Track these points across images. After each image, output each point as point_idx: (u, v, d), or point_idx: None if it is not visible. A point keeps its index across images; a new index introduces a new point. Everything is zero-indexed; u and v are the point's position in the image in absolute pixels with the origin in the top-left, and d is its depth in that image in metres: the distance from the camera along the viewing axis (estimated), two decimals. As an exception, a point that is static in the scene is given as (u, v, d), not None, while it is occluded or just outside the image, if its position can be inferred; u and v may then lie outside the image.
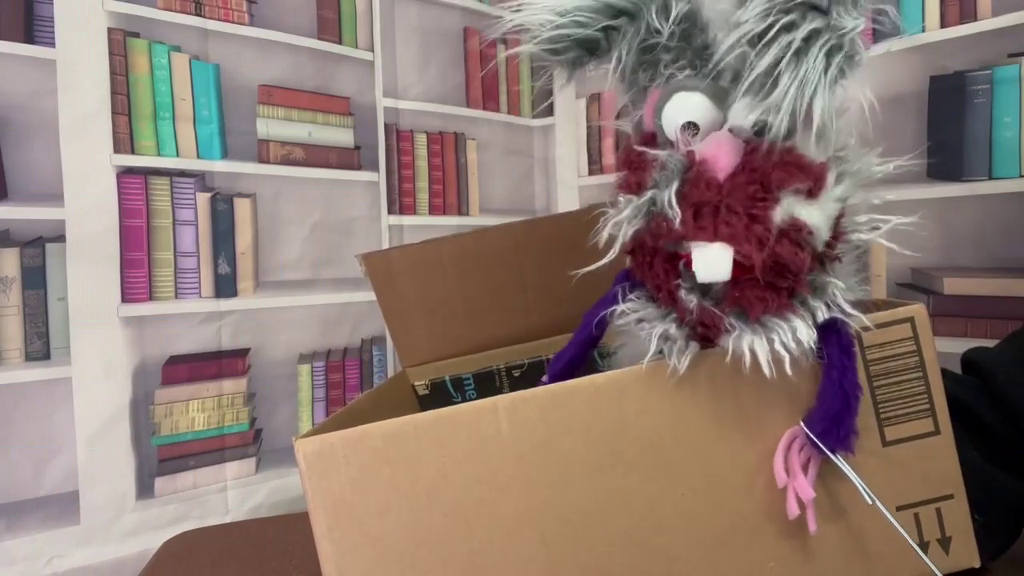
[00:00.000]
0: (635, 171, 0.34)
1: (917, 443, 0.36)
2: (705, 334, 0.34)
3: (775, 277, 0.32)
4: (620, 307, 0.37)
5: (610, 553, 0.35)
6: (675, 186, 0.32)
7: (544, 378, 0.44)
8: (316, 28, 1.09)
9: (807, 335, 0.33)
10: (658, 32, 0.34)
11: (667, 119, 0.34)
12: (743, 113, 0.32)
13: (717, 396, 0.35)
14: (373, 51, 1.17)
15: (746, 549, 0.36)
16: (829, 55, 0.30)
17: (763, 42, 0.30)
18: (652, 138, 0.35)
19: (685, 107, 0.33)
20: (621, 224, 0.34)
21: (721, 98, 0.33)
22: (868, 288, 0.37)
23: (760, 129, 0.32)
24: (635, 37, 0.34)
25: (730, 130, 0.33)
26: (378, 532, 0.35)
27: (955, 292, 0.92)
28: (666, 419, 0.35)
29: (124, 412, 0.92)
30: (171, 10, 0.94)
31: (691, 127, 0.33)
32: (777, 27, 0.30)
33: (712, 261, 0.32)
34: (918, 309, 0.37)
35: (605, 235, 0.35)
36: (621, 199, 0.34)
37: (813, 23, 0.30)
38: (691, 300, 0.34)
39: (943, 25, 0.95)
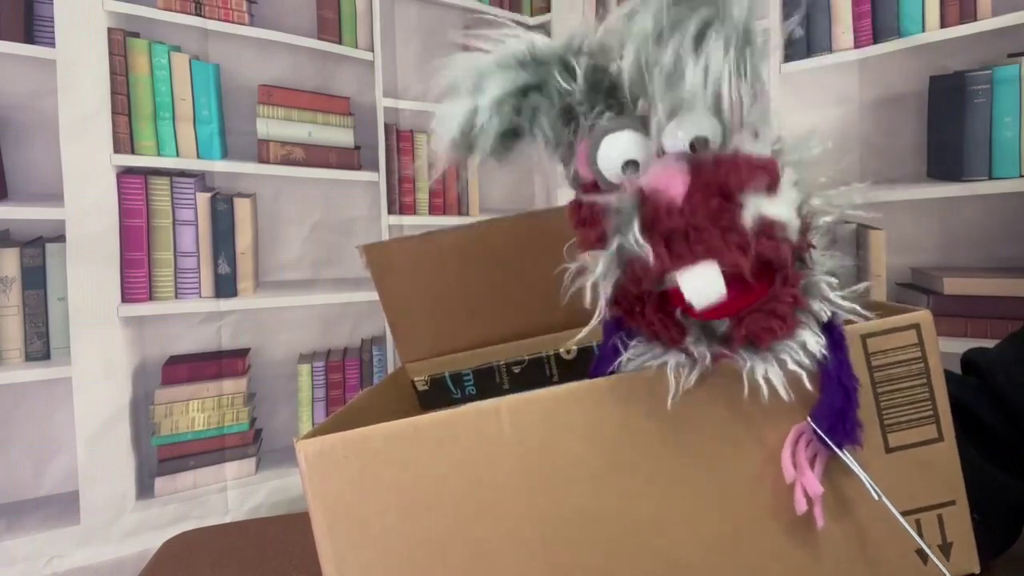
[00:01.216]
0: (591, 226, 0.33)
1: (920, 450, 0.36)
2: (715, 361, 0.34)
3: (760, 279, 0.32)
4: (625, 356, 0.36)
5: (612, 556, 0.35)
6: (636, 225, 0.31)
7: None
8: (316, 28, 1.09)
9: (816, 345, 0.33)
10: (568, 93, 0.33)
11: (603, 164, 0.33)
12: (675, 133, 0.32)
13: (719, 398, 0.35)
14: (373, 51, 1.17)
15: (750, 551, 0.36)
16: (727, 43, 0.30)
17: (660, 44, 0.30)
18: (594, 187, 0.34)
19: (618, 147, 0.33)
20: (598, 283, 0.33)
21: (648, 129, 0.33)
22: (857, 263, 0.37)
23: (696, 146, 0.32)
24: (550, 107, 0.34)
25: (668, 155, 0.32)
26: (379, 533, 0.35)
27: (955, 292, 0.92)
28: (669, 421, 0.35)
29: (124, 412, 0.92)
30: (171, 10, 0.94)
31: (630, 165, 0.33)
32: (669, 26, 0.30)
33: (702, 283, 0.31)
34: (924, 315, 0.36)
35: (588, 302, 0.34)
36: (588, 257, 0.33)
37: (701, 14, 0.30)
38: (704, 353, 0.34)
39: (943, 25, 0.95)
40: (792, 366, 0.33)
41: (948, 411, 0.36)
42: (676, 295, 0.32)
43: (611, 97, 0.34)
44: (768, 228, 0.31)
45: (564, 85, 0.33)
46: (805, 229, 0.34)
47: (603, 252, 0.32)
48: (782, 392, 0.33)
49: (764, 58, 0.32)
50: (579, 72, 0.33)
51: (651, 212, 0.31)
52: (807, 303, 0.34)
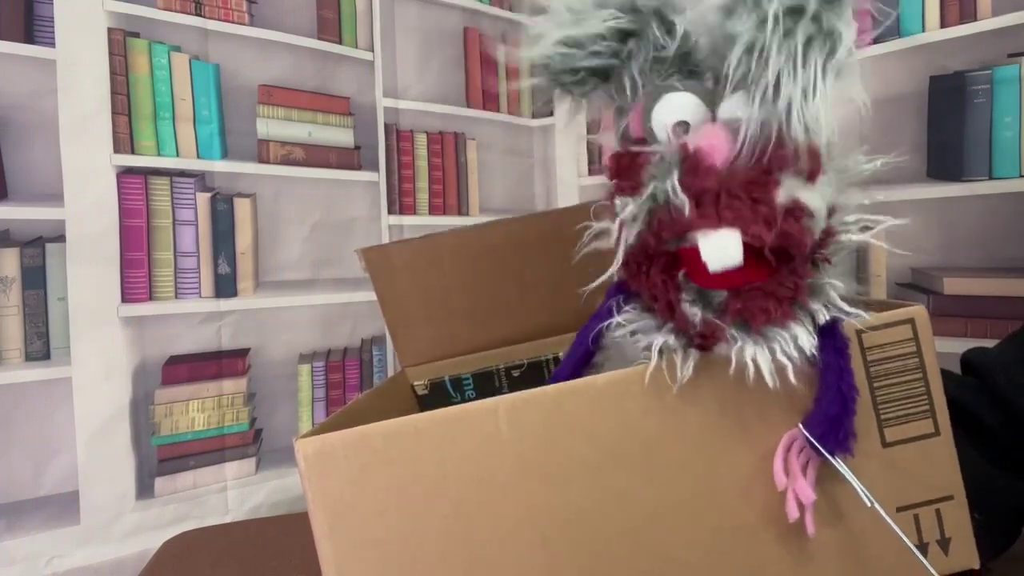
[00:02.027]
0: (629, 174, 0.34)
1: (917, 444, 0.36)
2: (703, 344, 0.34)
3: (779, 259, 0.32)
4: (615, 319, 0.37)
5: (611, 555, 0.35)
6: (675, 175, 0.32)
7: None
8: (316, 28, 1.09)
9: (808, 342, 0.33)
10: (663, 47, 0.34)
11: (657, 120, 0.34)
12: (732, 107, 0.32)
13: (717, 398, 0.35)
14: (373, 51, 1.17)
15: (747, 552, 0.36)
16: (826, 59, 0.31)
17: (762, 52, 0.30)
18: (642, 142, 0.35)
19: (675, 106, 0.34)
20: (623, 226, 0.34)
21: (707, 98, 0.33)
22: (862, 288, 0.37)
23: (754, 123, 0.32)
24: (645, 58, 0.34)
25: (720, 121, 0.33)
26: (379, 533, 0.35)
27: (955, 292, 0.92)
28: (667, 421, 0.35)
29: (124, 412, 0.92)
30: (171, 10, 0.94)
31: (682, 125, 0.33)
32: (777, 36, 0.30)
33: (722, 247, 0.31)
34: (918, 310, 0.37)
35: (606, 238, 0.35)
36: (618, 202, 0.34)
37: (808, 29, 0.30)
38: (695, 313, 0.34)
39: (943, 25, 0.95)
40: (780, 356, 0.33)
41: (944, 406, 0.37)
42: (687, 256, 0.33)
43: (681, 61, 0.34)
44: (798, 211, 0.31)
45: (662, 40, 0.34)
46: (828, 235, 0.35)
47: (636, 198, 0.33)
48: (767, 377, 0.33)
49: (851, 69, 0.32)
50: (677, 29, 0.34)
51: (691, 168, 0.32)
52: (808, 301, 0.34)
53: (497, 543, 0.35)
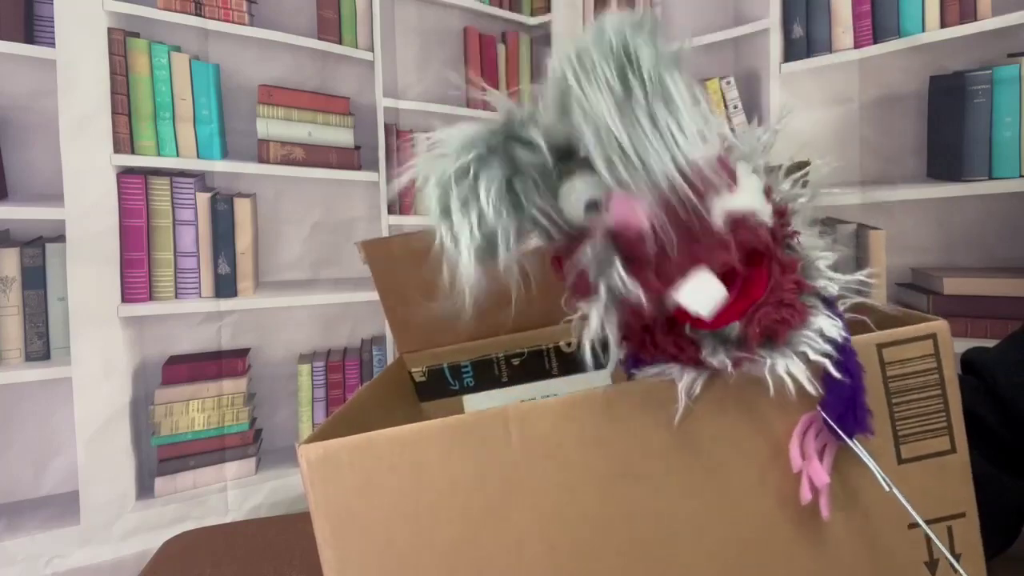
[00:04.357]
0: (579, 280, 0.33)
1: (932, 461, 0.36)
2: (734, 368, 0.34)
3: (747, 264, 0.32)
4: (639, 375, 0.36)
5: (619, 564, 0.35)
6: (617, 264, 0.31)
7: None
8: (316, 28, 1.09)
9: (833, 327, 0.33)
10: (538, 163, 0.32)
11: (568, 210, 0.33)
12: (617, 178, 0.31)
13: (727, 406, 0.35)
14: (373, 51, 1.16)
15: (758, 562, 0.35)
16: (646, 98, 0.29)
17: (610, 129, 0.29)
18: (571, 243, 0.34)
19: (576, 191, 0.32)
20: (601, 326, 0.33)
21: (594, 169, 0.31)
22: (825, 235, 0.36)
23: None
24: (534, 182, 0.33)
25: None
26: (383, 540, 0.35)
27: (955, 292, 0.92)
28: (677, 429, 0.35)
29: (124, 412, 0.92)
30: (171, 10, 0.94)
31: (591, 206, 0.32)
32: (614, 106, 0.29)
33: (701, 292, 0.31)
34: (940, 325, 0.36)
35: (587, 346, 0.33)
36: (581, 307, 0.33)
37: (633, 81, 0.29)
38: (723, 360, 0.33)
39: (943, 25, 0.95)
40: (814, 356, 0.33)
41: (962, 423, 0.36)
42: (681, 313, 0.32)
43: (568, 159, 0.33)
44: (740, 220, 0.31)
45: (529, 154, 0.32)
46: (782, 213, 0.34)
47: (595, 299, 0.32)
48: (808, 386, 0.32)
49: (684, 74, 0.30)
50: (536, 136, 0.32)
51: (626, 246, 0.31)
52: (810, 285, 0.34)
53: (504, 552, 0.35)
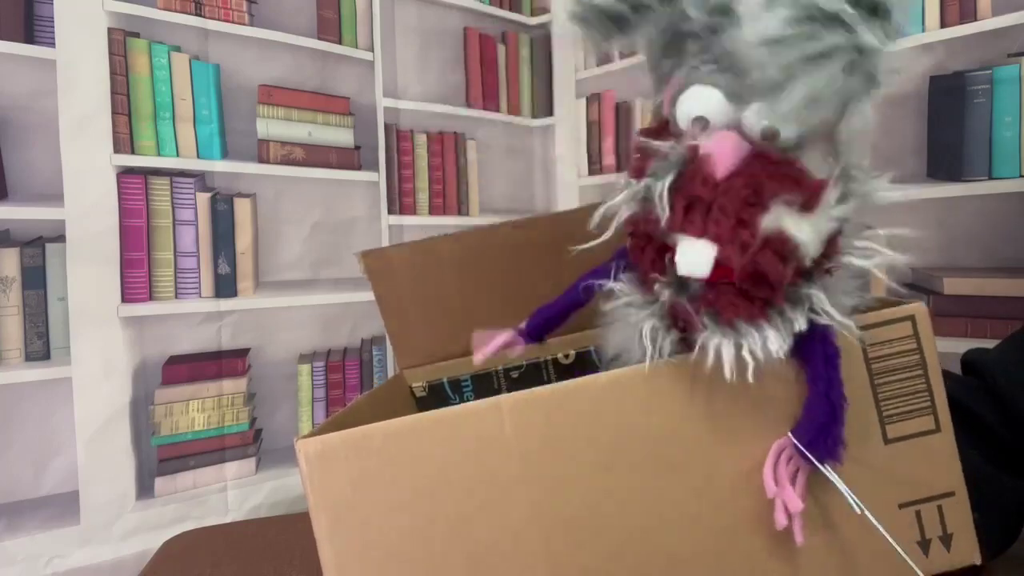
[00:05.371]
0: (641, 158, 0.34)
1: (918, 440, 0.36)
2: (684, 328, 0.35)
3: (752, 286, 0.32)
4: (609, 285, 0.37)
5: (613, 553, 0.35)
6: (670, 179, 0.32)
7: (521, 325, 0.44)
8: (316, 28, 1.09)
9: (777, 345, 0.33)
10: (689, 19, 0.33)
11: (680, 110, 0.34)
12: (755, 117, 0.32)
13: (717, 398, 0.35)
14: (373, 51, 1.17)
15: (748, 549, 0.36)
16: (848, 73, 0.29)
17: (780, 46, 0.29)
18: (665, 125, 0.35)
19: (699, 101, 0.33)
20: (616, 207, 0.34)
21: (739, 98, 0.32)
22: (867, 295, 0.37)
23: (770, 135, 0.32)
24: (665, 20, 0.33)
25: (740, 131, 0.33)
26: (380, 533, 0.35)
27: (955, 292, 0.92)
28: (668, 419, 0.35)
29: (124, 412, 0.92)
30: (171, 10, 0.94)
31: (701, 121, 0.33)
32: (797, 34, 0.29)
33: (694, 256, 0.32)
34: (918, 307, 0.37)
35: (598, 217, 0.35)
36: (622, 181, 0.35)
37: (835, 38, 0.29)
38: (663, 293, 0.34)
39: (943, 25, 0.95)
40: (745, 352, 0.32)
41: (945, 402, 0.37)
42: (671, 248, 0.33)
43: (723, 51, 0.33)
44: (778, 241, 0.31)
45: (690, 9, 0.33)
46: (833, 252, 0.34)
47: (635, 184, 0.34)
48: (727, 370, 0.33)
49: (878, 90, 0.31)
50: (709, 5, 0.32)
51: (691, 174, 0.32)
52: (785, 306, 0.33)
53: (499, 543, 0.35)
